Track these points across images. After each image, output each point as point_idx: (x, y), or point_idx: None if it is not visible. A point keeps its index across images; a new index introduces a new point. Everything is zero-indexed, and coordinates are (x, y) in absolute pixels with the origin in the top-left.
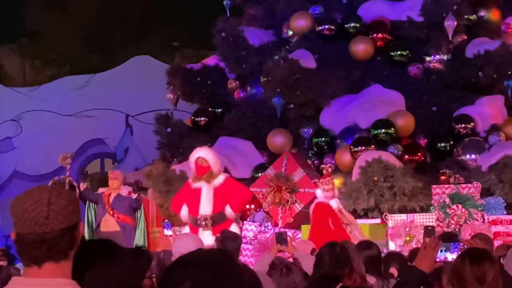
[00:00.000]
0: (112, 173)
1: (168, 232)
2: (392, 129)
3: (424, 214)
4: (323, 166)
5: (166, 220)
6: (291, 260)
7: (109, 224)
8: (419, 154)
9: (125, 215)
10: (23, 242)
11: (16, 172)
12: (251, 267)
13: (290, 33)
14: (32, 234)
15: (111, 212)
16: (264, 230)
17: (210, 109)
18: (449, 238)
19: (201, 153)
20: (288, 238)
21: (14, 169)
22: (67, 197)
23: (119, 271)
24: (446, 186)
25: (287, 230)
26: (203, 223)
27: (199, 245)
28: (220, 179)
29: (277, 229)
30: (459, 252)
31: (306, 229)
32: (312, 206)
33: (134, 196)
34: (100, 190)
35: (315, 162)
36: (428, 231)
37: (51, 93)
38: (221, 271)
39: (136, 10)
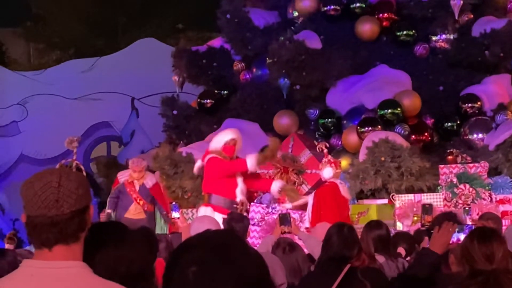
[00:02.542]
0: (137, 166)
1: (175, 214)
2: (399, 109)
3: (431, 194)
4: (319, 145)
5: (173, 203)
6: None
7: (137, 212)
8: (426, 134)
9: (150, 204)
10: (33, 225)
11: (23, 156)
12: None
13: (296, 14)
14: (42, 217)
15: (141, 202)
16: (271, 211)
17: (216, 91)
18: (447, 218)
19: (234, 135)
20: (291, 219)
21: (20, 153)
22: (77, 179)
23: (129, 252)
24: (453, 165)
25: (294, 211)
26: (241, 208)
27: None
28: None
29: (284, 210)
30: None
31: None
32: (322, 187)
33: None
34: (120, 174)
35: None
36: (426, 209)
37: (57, 76)
38: (228, 253)
39: None
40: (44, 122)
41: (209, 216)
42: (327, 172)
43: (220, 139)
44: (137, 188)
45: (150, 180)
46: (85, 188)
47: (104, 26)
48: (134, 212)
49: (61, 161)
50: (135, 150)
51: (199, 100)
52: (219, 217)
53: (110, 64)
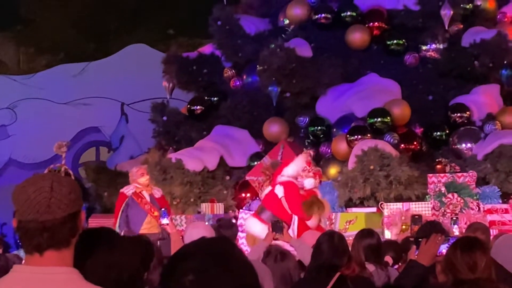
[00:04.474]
0: (140, 169)
1: (165, 220)
2: (388, 118)
3: (420, 202)
4: (305, 152)
5: (162, 209)
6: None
7: (151, 226)
8: (415, 143)
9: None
10: (24, 229)
11: (11, 160)
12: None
13: (287, 21)
14: (34, 222)
15: (155, 214)
16: None
17: (206, 97)
18: (432, 227)
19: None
20: (283, 226)
21: (9, 157)
22: (69, 185)
23: (120, 258)
24: (441, 175)
25: None
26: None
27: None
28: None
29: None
30: None
31: None
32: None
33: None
34: (125, 189)
35: (312, 151)
36: (415, 220)
37: (46, 81)
38: (226, 262)
39: None
40: (33, 126)
41: (202, 223)
42: (308, 183)
43: (299, 167)
44: (148, 198)
45: (157, 191)
46: (77, 193)
47: (95, 31)
48: (149, 226)
49: (50, 165)
50: (124, 155)
51: (189, 106)
52: None
53: (100, 69)
